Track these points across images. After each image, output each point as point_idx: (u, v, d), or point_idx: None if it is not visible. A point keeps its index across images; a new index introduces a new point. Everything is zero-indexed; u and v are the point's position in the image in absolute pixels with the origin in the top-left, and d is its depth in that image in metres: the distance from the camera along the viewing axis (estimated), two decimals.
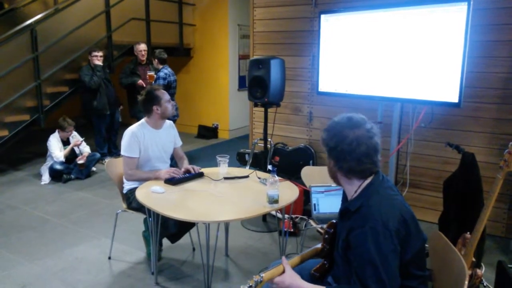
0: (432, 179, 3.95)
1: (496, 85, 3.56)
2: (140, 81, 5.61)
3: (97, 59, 5.55)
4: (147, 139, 3.01)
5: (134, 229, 3.67)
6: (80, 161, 5.19)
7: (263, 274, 1.62)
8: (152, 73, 5.41)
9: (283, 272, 1.65)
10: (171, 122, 3.26)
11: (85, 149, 5.39)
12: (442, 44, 2.87)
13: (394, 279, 1.47)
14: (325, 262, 1.82)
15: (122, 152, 2.99)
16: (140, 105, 3.07)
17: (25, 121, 5.39)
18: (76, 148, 5.30)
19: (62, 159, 5.09)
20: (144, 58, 5.81)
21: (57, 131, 5.22)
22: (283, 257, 1.72)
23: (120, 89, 6.02)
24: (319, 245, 1.88)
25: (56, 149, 5.12)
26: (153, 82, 5.33)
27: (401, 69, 3.11)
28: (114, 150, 6.05)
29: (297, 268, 1.73)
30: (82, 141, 5.34)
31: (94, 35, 6.09)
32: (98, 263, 3.18)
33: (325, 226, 1.87)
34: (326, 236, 1.82)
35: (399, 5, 3.07)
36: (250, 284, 1.58)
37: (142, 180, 2.97)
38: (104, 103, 5.66)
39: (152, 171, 3.02)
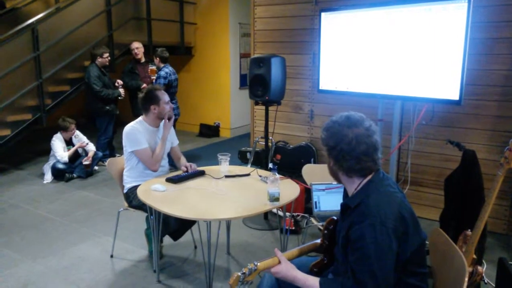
0: (433, 176, 3.95)
1: (497, 82, 3.55)
2: (145, 86, 5.56)
3: (109, 60, 5.55)
4: (146, 136, 3.02)
5: (136, 227, 3.69)
6: (86, 162, 5.21)
7: (257, 263, 1.64)
8: (153, 67, 5.40)
9: (279, 263, 1.68)
10: None
11: (90, 147, 5.40)
12: (442, 42, 2.87)
13: (388, 275, 1.48)
14: (324, 258, 1.83)
15: (131, 149, 2.96)
16: (139, 103, 3.09)
17: (27, 120, 5.41)
18: (79, 149, 5.33)
19: (65, 159, 5.10)
20: (140, 56, 5.79)
21: (59, 132, 5.23)
22: (276, 249, 1.75)
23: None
24: (318, 240, 1.90)
25: (59, 149, 5.13)
26: (155, 75, 5.32)
27: (401, 67, 3.11)
28: (114, 153, 5.98)
29: (296, 264, 1.75)
30: (87, 144, 5.37)
31: (95, 34, 6.10)
32: (100, 261, 3.20)
33: (324, 222, 1.88)
34: (326, 232, 1.83)
35: (399, 3, 3.07)
36: (244, 271, 1.61)
37: (162, 151, 3.03)
38: (114, 103, 5.66)
39: (160, 140, 3.06)
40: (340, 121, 1.62)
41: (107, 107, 5.53)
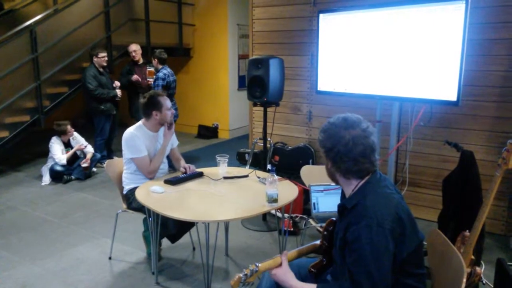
0: (431, 177, 3.96)
1: (495, 83, 3.56)
2: (135, 76, 5.58)
3: (105, 60, 5.55)
4: (145, 142, 3.02)
5: (134, 229, 3.68)
6: (85, 164, 5.20)
7: (259, 264, 1.64)
8: (151, 69, 5.40)
9: (280, 265, 1.68)
10: None
11: (88, 149, 5.39)
12: (440, 43, 2.87)
13: (385, 276, 1.48)
14: (323, 259, 1.83)
15: (131, 156, 2.96)
16: (141, 107, 3.08)
17: (25, 122, 5.40)
18: (77, 151, 5.32)
19: (64, 161, 5.09)
20: (137, 59, 5.78)
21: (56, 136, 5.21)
22: (285, 251, 1.75)
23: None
24: (317, 242, 1.90)
25: (58, 151, 5.12)
26: (153, 77, 5.33)
27: (399, 68, 3.11)
28: (111, 155, 5.95)
29: (295, 265, 1.75)
30: (86, 146, 5.36)
31: (93, 35, 6.10)
32: (98, 263, 3.19)
33: (324, 224, 1.88)
34: (325, 233, 1.83)
35: (397, 4, 3.08)
36: (246, 273, 1.61)
37: (160, 161, 3.02)
38: (110, 103, 5.66)
39: (159, 149, 3.06)
40: (337, 123, 1.63)
41: (102, 107, 5.51)
